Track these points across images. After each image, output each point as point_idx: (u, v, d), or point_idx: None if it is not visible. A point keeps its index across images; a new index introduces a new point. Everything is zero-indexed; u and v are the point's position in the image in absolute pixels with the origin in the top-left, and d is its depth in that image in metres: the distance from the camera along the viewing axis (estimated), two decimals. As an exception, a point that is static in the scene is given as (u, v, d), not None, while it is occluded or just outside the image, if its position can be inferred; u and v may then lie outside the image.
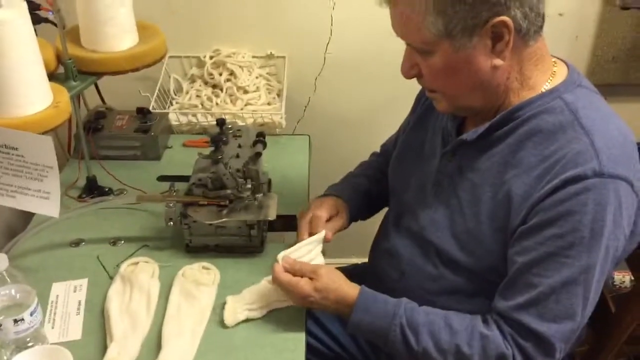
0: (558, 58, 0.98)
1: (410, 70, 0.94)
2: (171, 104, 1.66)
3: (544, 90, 0.92)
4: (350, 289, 1.00)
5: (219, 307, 1.06)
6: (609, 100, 1.85)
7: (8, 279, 0.87)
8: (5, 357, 0.90)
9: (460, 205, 0.97)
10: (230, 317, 1.03)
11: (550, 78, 0.93)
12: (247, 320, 1.04)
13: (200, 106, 1.62)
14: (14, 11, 0.99)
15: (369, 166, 1.32)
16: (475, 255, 0.95)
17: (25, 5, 1.02)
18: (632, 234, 0.91)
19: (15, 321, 0.86)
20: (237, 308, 1.04)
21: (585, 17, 1.68)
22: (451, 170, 1.00)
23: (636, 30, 1.67)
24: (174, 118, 1.58)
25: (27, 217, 1.30)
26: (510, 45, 0.86)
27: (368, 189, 1.24)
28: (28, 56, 1.02)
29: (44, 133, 1.03)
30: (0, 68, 0.99)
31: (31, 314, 0.87)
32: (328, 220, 1.13)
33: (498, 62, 0.88)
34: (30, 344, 0.90)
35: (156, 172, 1.41)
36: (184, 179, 1.24)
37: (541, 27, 0.89)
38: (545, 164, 0.88)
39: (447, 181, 1.01)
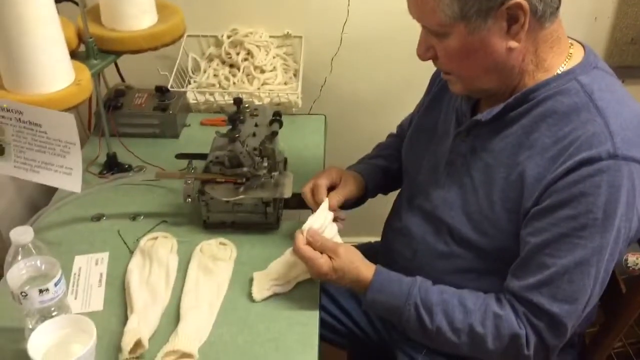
0: (575, 40, 0.98)
1: (426, 52, 0.95)
2: (189, 82, 1.68)
3: (559, 72, 0.93)
4: (367, 270, 1.02)
5: (236, 281, 1.10)
6: (627, 82, 1.85)
7: (34, 251, 0.90)
8: (30, 326, 0.93)
9: (474, 185, 0.98)
10: (257, 293, 1.06)
11: (567, 60, 0.93)
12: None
13: (217, 85, 1.64)
14: (38, -10, 1.01)
15: (385, 147, 1.33)
16: (487, 235, 0.96)
17: (48, -17, 1.04)
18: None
19: (41, 291, 0.89)
20: (264, 284, 1.07)
21: (604, -1, 1.67)
22: (465, 150, 1.01)
23: (656, 12, 1.66)
24: (191, 97, 1.60)
25: (49, 192, 1.33)
26: (526, 27, 0.87)
27: (386, 167, 1.27)
28: (51, 35, 1.04)
29: (67, 110, 1.06)
30: (24, 46, 1.01)
31: (55, 285, 0.91)
32: (333, 188, 1.16)
33: (513, 44, 0.88)
34: (54, 314, 0.93)
35: (174, 149, 1.43)
36: (201, 156, 1.27)
37: (557, 8, 0.89)
38: (559, 145, 0.88)
39: (460, 161, 1.02)
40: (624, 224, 0.88)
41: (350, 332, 1.26)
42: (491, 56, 0.90)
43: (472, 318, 0.95)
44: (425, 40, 0.95)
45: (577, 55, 0.94)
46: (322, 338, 1.23)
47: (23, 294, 0.89)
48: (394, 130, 1.37)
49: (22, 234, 0.88)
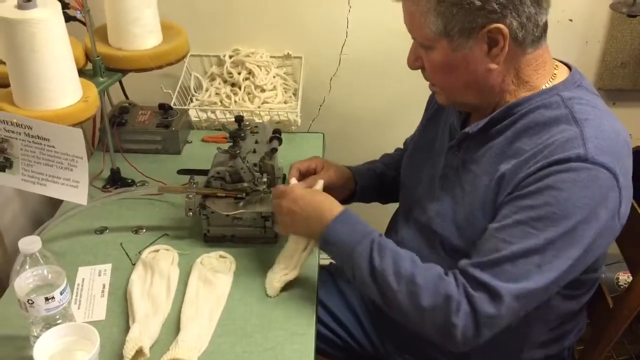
0: (561, 62, 1.03)
1: (414, 62, 1.01)
2: (191, 100, 1.72)
3: (543, 88, 0.97)
4: (333, 204, 1.08)
5: (235, 293, 1.13)
6: (617, 105, 1.90)
7: (41, 260, 0.93)
8: (35, 334, 0.96)
9: (463, 195, 1.02)
10: (270, 289, 1.12)
11: (551, 79, 0.98)
12: (261, 305, 1.11)
13: (219, 103, 1.68)
14: (49, 10, 1.06)
15: (388, 156, 1.39)
16: (471, 241, 0.99)
17: (59, 5, 1.08)
18: (609, 228, 0.93)
19: (47, 299, 0.92)
20: (274, 280, 1.12)
21: (594, 23, 1.72)
22: (457, 163, 1.05)
23: (645, 37, 1.71)
24: (194, 114, 1.65)
25: (53, 206, 1.37)
26: (505, 51, 0.92)
27: (383, 171, 1.32)
28: (61, 53, 1.09)
29: (74, 125, 1.10)
30: (35, 64, 1.06)
31: (61, 293, 0.94)
32: (312, 173, 1.24)
33: (493, 66, 0.94)
34: (59, 322, 0.96)
35: (176, 165, 1.46)
36: (202, 172, 1.30)
37: (540, 36, 0.94)
38: (535, 149, 0.92)
39: (452, 173, 1.06)
40: (583, 226, 0.89)
41: (346, 344, 1.29)
42: (471, 74, 0.95)
43: (417, 271, 0.97)
44: (414, 51, 1.01)
45: (561, 75, 0.99)
46: (320, 352, 1.27)
47: (30, 301, 0.92)
48: (391, 149, 1.42)
49: (30, 244, 0.92)
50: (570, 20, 1.72)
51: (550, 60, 0.99)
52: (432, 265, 0.98)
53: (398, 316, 1.00)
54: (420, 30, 0.95)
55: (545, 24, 0.94)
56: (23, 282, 0.92)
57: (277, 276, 1.12)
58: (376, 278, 0.99)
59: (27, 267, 0.93)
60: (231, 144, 1.22)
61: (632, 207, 0.97)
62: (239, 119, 1.28)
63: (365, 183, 1.30)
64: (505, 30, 0.89)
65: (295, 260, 1.13)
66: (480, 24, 0.90)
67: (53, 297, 0.93)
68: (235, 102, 1.67)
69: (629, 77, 1.77)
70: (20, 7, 1.04)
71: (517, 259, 0.90)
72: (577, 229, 0.89)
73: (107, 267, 1.19)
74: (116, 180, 1.41)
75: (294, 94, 1.73)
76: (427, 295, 0.94)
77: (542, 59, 0.97)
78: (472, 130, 1.01)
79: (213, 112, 1.65)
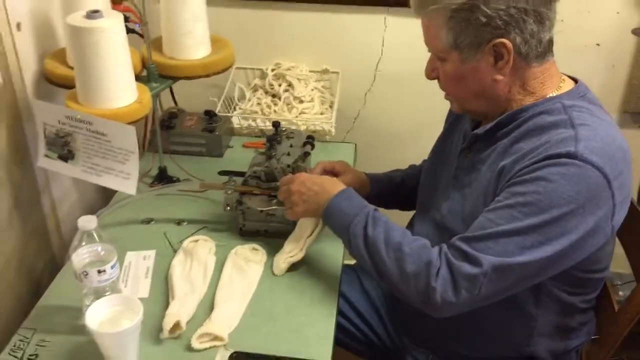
0: (570, 77, 1.11)
1: (431, 72, 1.12)
2: (234, 109, 1.85)
3: (547, 97, 1.06)
4: (335, 183, 1.20)
5: (265, 281, 1.24)
6: (644, 127, 1.93)
7: (97, 238, 1.06)
8: (87, 303, 1.09)
9: (471, 192, 1.11)
10: (277, 269, 1.25)
11: (556, 91, 1.06)
12: (287, 294, 1.21)
13: (259, 112, 1.81)
14: (113, 21, 1.20)
15: (414, 166, 1.49)
16: None
17: (121, 17, 1.22)
18: (601, 229, 0.98)
19: (99, 272, 1.04)
20: (279, 261, 1.24)
21: (621, 48, 1.78)
22: (467, 164, 1.15)
23: (670, 61, 1.76)
24: (236, 121, 1.78)
25: (106, 198, 1.51)
26: (510, 64, 1.01)
27: (402, 180, 1.43)
28: (121, 59, 1.23)
29: (130, 123, 1.23)
30: (99, 67, 1.20)
31: (112, 268, 1.06)
32: (335, 175, 1.35)
33: (498, 77, 1.03)
34: (107, 294, 1.08)
35: (218, 167, 1.60)
36: (241, 174, 1.42)
37: (545, 52, 1.03)
38: (533, 147, 1.00)
39: (463, 174, 1.15)
40: (569, 220, 0.95)
41: (366, 338, 1.37)
42: (479, 84, 1.05)
43: (405, 241, 1.06)
44: (431, 63, 1.11)
45: (567, 88, 1.07)
46: (342, 344, 1.36)
47: (85, 273, 1.04)
48: (419, 161, 1.51)
49: (88, 221, 1.04)
50: (598, 44, 1.78)
51: (557, 75, 1.08)
52: (421, 238, 1.08)
53: (387, 284, 1.09)
54: (434, 43, 1.06)
55: (550, 41, 1.03)
56: (80, 256, 1.05)
57: (284, 257, 1.25)
58: (368, 246, 1.09)
59: (83, 243, 1.05)
60: (268, 146, 1.33)
61: (635, 211, 1.03)
62: (276, 124, 1.40)
63: (381, 190, 1.40)
64: (509, 44, 0.99)
65: (301, 244, 1.26)
66: (486, 38, 1.00)
67: (105, 270, 1.05)
68: (275, 111, 1.79)
69: (655, 100, 1.82)
70: (88, 17, 1.18)
71: (500, 237, 0.97)
72: (562, 220, 0.95)
73: (152, 252, 1.31)
74: (163, 178, 1.55)
75: (330, 107, 1.84)
76: (411, 262, 1.03)
77: (548, 73, 1.06)
78: (480, 132, 1.11)
79: (254, 120, 1.78)
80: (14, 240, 1.31)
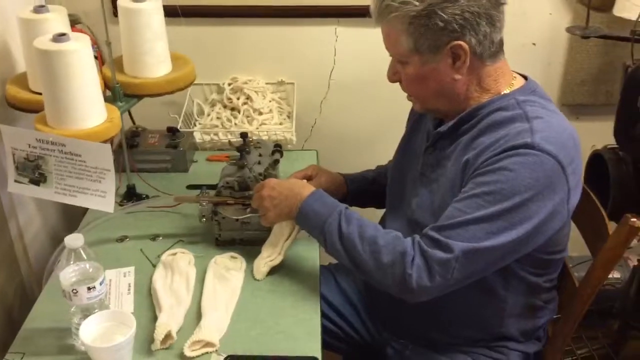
0: (520, 74, 1.20)
1: (393, 75, 1.19)
2: (194, 124, 1.88)
3: (502, 94, 1.14)
4: (305, 186, 1.25)
5: (247, 287, 1.27)
6: (581, 119, 2.08)
7: (84, 256, 1.07)
8: (76, 322, 1.09)
9: (438, 187, 1.19)
10: (257, 273, 1.29)
11: (509, 87, 1.16)
12: (271, 297, 1.25)
13: (220, 126, 1.84)
14: (80, 43, 1.21)
15: (381, 166, 1.55)
16: None
17: (88, 39, 1.24)
18: (558, 213, 1.07)
19: (89, 288, 1.06)
20: (260, 265, 1.29)
21: (556, 46, 1.92)
22: (432, 161, 1.22)
23: (600, 57, 1.91)
24: (198, 136, 1.80)
25: (69, 222, 1.50)
26: (467, 63, 1.10)
27: (375, 179, 1.49)
28: (91, 79, 1.24)
29: (102, 142, 1.25)
30: (69, 89, 1.21)
31: (100, 284, 1.07)
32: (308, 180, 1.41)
33: (457, 76, 1.12)
34: (96, 311, 1.09)
35: (184, 182, 1.62)
36: (209, 187, 1.45)
37: (497, 51, 1.12)
38: (493, 140, 1.09)
39: (429, 171, 1.23)
40: (529, 205, 1.03)
41: (347, 336, 1.42)
42: (439, 84, 1.13)
43: (378, 234, 1.13)
44: (393, 66, 1.18)
45: (518, 84, 1.17)
46: (324, 345, 1.40)
47: (74, 291, 1.05)
48: (378, 163, 1.58)
49: (75, 240, 1.06)
50: (534, 44, 1.91)
51: (509, 72, 1.17)
52: (393, 231, 1.14)
53: (364, 275, 1.15)
54: (396, 48, 1.13)
55: (501, 41, 1.12)
56: (67, 274, 1.06)
57: (263, 261, 1.29)
58: (343, 242, 1.15)
59: (71, 261, 1.06)
60: (238, 157, 1.37)
61: (588, 194, 1.13)
62: (244, 135, 1.44)
63: (358, 188, 1.47)
64: (466, 46, 1.08)
65: (279, 248, 1.30)
66: (444, 41, 1.08)
67: (94, 287, 1.06)
68: (236, 124, 1.83)
69: (589, 93, 1.96)
70: (55, 40, 1.19)
71: (469, 224, 1.05)
72: (523, 206, 1.04)
73: (131, 269, 1.32)
74: (132, 196, 1.56)
75: (288, 116, 1.90)
76: (386, 253, 1.10)
77: (501, 71, 1.15)
78: (444, 129, 1.19)
79: (216, 134, 1.81)
80: (-15, 268, 1.30)
